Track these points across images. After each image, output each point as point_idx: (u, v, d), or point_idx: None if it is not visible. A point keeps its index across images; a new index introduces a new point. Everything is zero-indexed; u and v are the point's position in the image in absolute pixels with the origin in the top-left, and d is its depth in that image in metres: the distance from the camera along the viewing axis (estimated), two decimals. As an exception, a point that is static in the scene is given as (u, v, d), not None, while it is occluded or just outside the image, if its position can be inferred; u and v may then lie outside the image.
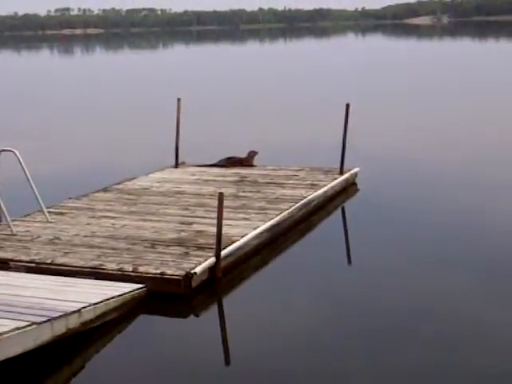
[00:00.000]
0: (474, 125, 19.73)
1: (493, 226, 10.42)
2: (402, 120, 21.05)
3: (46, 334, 6.37)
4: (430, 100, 25.67)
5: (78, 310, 6.75)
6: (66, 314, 6.61)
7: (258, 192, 11.44)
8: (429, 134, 18.40)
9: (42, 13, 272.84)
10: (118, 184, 12.19)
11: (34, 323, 6.28)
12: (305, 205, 10.77)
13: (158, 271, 7.90)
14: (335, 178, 12.23)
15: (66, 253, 8.58)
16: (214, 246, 8.23)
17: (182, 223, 9.71)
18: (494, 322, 7.18)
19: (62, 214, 10.37)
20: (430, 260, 8.98)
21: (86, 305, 6.88)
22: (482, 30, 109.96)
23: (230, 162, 13.58)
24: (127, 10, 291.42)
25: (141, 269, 7.99)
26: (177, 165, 13.65)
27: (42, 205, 9.94)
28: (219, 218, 8.13)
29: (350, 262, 9.34)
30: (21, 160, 9.64)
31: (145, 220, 9.93)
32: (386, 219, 10.88)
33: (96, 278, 7.85)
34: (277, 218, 9.89)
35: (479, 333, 6.95)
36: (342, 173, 12.50)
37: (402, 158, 15.45)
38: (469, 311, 7.48)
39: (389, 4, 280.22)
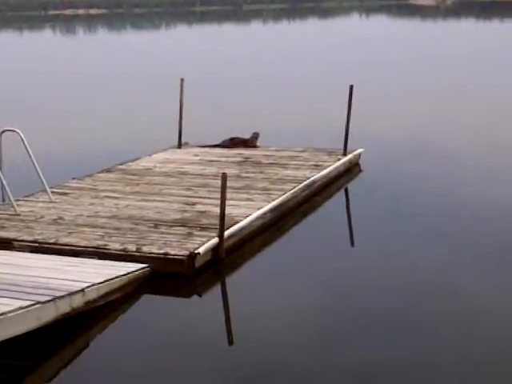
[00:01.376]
0: (480, 105, 19.64)
1: (498, 206, 10.40)
2: (407, 101, 20.96)
3: (49, 314, 6.39)
4: (436, 81, 25.54)
5: (82, 290, 6.77)
6: (70, 294, 6.63)
7: (262, 173, 11.43)
8: (433, 114, 18.34)
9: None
10: (121, 164, 12.19)
11: (37, 302, 6.30)
12: (308, 185, 10.76)
13: (162, 251, 7.91)
14: (339, 159, 12.22)
15: (70, 233, 8.60)
16: (218, 227, 8.24)
17: (186, 203, 9.71)
18: (498, 302, 7.20)
19: (65, 194, 10.38)
20: (434, 241, 8.98)
21: (89, 284, 6.90)
22: (487, 11, 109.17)
23: (233, 143, 13.55)
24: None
25: (144, 249, 8.01)
26: (180, 145, 13.63)
27: (46, 185, 9.95)
28: (222, 199, 8.13)
29: (352, 243, 9.35)
30: (24, 140, 9.64)
31: (148, 200, 9.94)
32: (390, 200, 10.87)
33: (99, 258, 7.87)
34: (280, 199, 9.89)
35: (483, 311, 6.95)
36: (345, 154, 12.48)
37: (406, 138, 15.40)
38: (475, 291, 7.48)
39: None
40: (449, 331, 6.59)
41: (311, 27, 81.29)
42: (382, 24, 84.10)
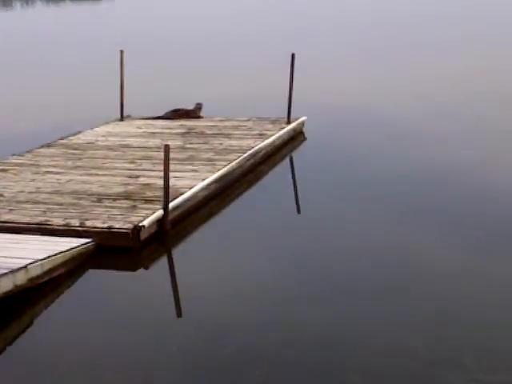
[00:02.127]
0: (425, 67, 19.82)
1: (443, 173, 10.56)
2: (349, 69, 21.03)
3: (-8, 292, 6.27)
4: (380, 46, 25.66)
5: (25, 267, 6.65)
6: (13, 271, 6.51)
7: (206, 143, 11.36)
8: (377, 84, 18.44)
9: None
10: (62, 139, 11.96)
11: (-21, 281, 6.17)
12: (253, 155, 10.74)
13: (106, 225, 7.82)
14: (283, 128, 12.22)
15: (11, 210, 8.42)
16: (162, 199, 8.17)
17: (129, 177, 9.60)
18: (445, 268, 7.33)
19: (5, 170, 10.15)
20: (377, 206, 9.08)
21: (32, 261, 6.78)
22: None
23: (177, 114, 13.43)
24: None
25: (88, 223, 7.90)
26: (122, 118, 13.44)
27: (-16, 162, 9.71)
28: (165, 171, 8.05)
29: (299, 210, 9.38)
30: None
31: (91, 174, 9.79)
32: (333, 168, 10.94)
33: (42, 234, 7.73)
34: (225, 169, 9.85)
35: (428, 278, 7.07)
36: (289, 122, 12.48)
37: (349, 107, 15.47)
38: (416, 256, 7.60)
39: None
40: (394, 294, 6.69)
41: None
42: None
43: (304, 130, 12.90)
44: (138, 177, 9.58)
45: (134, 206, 8.37)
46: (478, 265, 7.28)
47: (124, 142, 11.65)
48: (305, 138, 12.65)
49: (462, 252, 7.62)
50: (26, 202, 8.69)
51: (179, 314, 6.67)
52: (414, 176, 10.36)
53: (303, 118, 12.86)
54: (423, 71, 19.88)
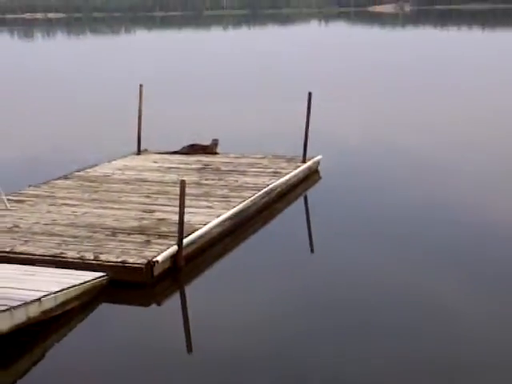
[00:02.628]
0: (435, 112, 19.89)
1: (455, 211, 10.55)
2: (365, 108, 21.14)
3: (5, 323, 6.30)
4: (393, 88, 25.83)
5: (39, 299, 6.68)
6: (26, 303, 6.54)
7: (221, 180, 11.42)
8: (390, 122, 18.53)
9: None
10: (79, 171, 12.07)
11: (-7, 312, 6.20)
12: (267, 193, 10.78)
13: (120, 259, 7.85)
14: (298, 166, 12.26)
15: (26, 241, 8.48)
16: (176, 234, 8.20)
17: (144, 211, 9.65)
18: (457, 308, 7.29)
19: (21, 201, 10.24)
20: (391, 247, 9.07)
21: (46, 293, 6.81)
22: (444, 18, 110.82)
23: (193, 150, 13.52)
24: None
25: (102, 257, 7.93)
26: (139, 152, 13.55)
27: (2, 192, 9.81)
28: (181, 206, 8.09)
29: (312, 249, 9.38)
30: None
31: (106, 208, 9.85)
32: (348, 207, 10.94)
33: (57, 267, 7.77)
34: (239, 206, 9.88)
35: (440, 319, 7.04)
36: (304, 161, 12.53)
37: (364, 146, 15.53)
38: (429, 296, 7.56)
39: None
40: (409, 337, 6.65)
41: (271, 33, 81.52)
42: (340, 31, 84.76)
43: (319, 168, 12.94)
44: (153, 211, 9.63)
45: (148, 241, 8.41)
46: (492, 306, 7.24)
47: (140, 176, 11.73)
48: (320, 177, 12.68)
49: (477, 293, 7.58)
50: (42, 233, 8.76)
51: (190, 350, 6.67)
52: (428, 215, 10.35)
53: (319, 157, 12.91)
54: (439, 111, 19.95)
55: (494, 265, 8.39)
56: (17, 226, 9.06)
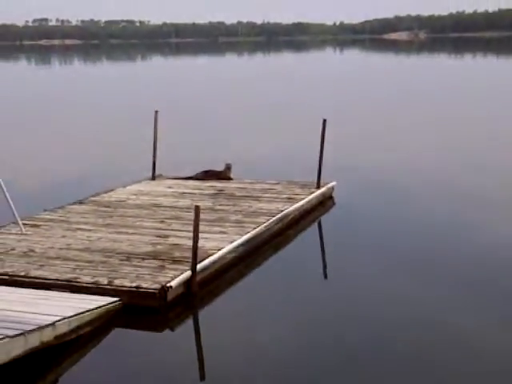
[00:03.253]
0: (450, 138, 19.88)
1: (471, 237, 10.51)
2: (379, 135, 21.17)
3: (18, 348, 6.30)
4: (406, 114, 25.88)
5: (52, 324, 6.69)
6: (40, 327, 6.55)
7: (235, 205, 11.44)
8: (405, 148, 18.53)
9: (20, 23, 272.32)
10: (94, 196, 12.13)
11: (6, 336, 6.21)
12: (281, 218, 10.78)
13: (134, 284, 7.86)
14: (312, 192, 12.27)
15: (41, 265, 8.51)
16: (190, 260, 8.21)
17: (158, 236, 9.68)
18: (473, 332, 7.22)
19: (36, 226, 10.29)
20: (406, 274, 9.02)
21: (60, 318, 6.82)
22: (458, 45, 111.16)
23: (208, 175, 13.57)
24: (106, 22, 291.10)
25: (116, 282, 7.95)
26: (154, 177, 13.62)
27: (17, 216, 9.87)
28: (195, 231, 8.11)
29: (326, 276, 9.35)
30: (-4, 171, 9.57)
31: (120, 233, 9.89)
32: (363, 234, 10.92)
33: (71, 291, 7.79)
34: (253, 232, 9.89)
35: (457, 344, 6.97)
36: (318, 187, 12.54)
37: (379, 172, 15.53)
38: (446, 322, 7.51)
39: (367, 19, 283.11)
40: (423, 361, 6.60)
41: (285, 60, 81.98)
42: (354, 57, 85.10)
43: (333, 194, 12.94)
44: (167, 237, 9.65)
45: (163, 266, 8.42)
46: None
47: (155, 201, 11.78)
48: (334, 203, 12.68)
49: (498, 326, 7.49)
50: (56, 258, 8.79)
51: (202, 377, 6.63)
52: (445, 242, 10.29)
53: (333, 183, 12.91)
54: (455, 135, 19.95)
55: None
56: (32, 251, 9.11)
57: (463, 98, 31.95)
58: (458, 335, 7.24)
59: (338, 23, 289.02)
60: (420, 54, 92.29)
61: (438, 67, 60.17)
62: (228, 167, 13.65)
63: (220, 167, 13.71)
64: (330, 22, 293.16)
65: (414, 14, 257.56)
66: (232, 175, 13.61)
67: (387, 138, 20.18)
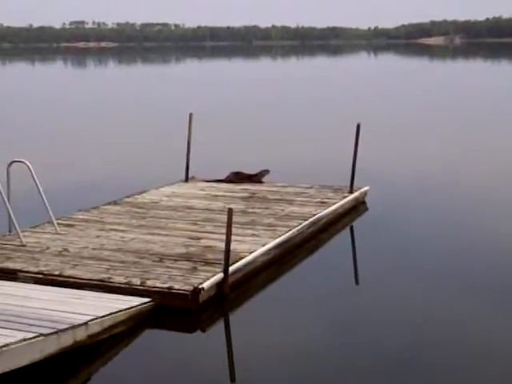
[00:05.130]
0: (485, 145, 19.69)
1: (507, 246, 10.39)
2: (413, 140, 21.03)
3: (52, 346, 6.38)
4: (441, 120, 25.67)
5: (86, 323, 6.76)
6: (74, 327, 6.62)
7: (267, 208, 11.45)
8: (440, 154, 18.39)
9: (57, 25, 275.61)
10: (128, 197, 12.23)
11: (41, 335, 6.29)
12: (314, 222, 10.77)
13: (166, 285, 7.91)
14: (345, 197, 12.23)
15: (75, 265, 8.60)
16: (222, 262, 8.24)
17: (191, 238, 9.72)
18: (503, 337, 7.15)
19: (71, 225, 10.41)
20: (438, 281, 8.95)
21: (93, 317, 6.89)
22: (495, 51, 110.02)
23: (238, 178, 13.61)
24: (141, 25, 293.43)
25: (148, 283, 8.00)
26: (187, 179, 13.69)
27: (52, 216, 9.99)
28: (228, 234, 8.13)
29: (357, 281, 9.32)
30: (32, 171, 9.70)
31: (153, 234, 9.95)
32: (395, 240, 10.86)
33: (104, 291, 7.86)
34: (286, 235, 9.89)
35: (488, 350, 6.91)
36: (351, 191, 12.50)
37: (413, 177, 15.43)
38: (477, 329, 7.44)
39: (402, 23, 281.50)
40: (453, 372, 6.55)
41: (319, 64, 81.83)
42: (389, 62, 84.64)
43: (366, 199, 12.89)
44: (199, 239, 9.69)
45: (195, 268, 8.46)
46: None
47: (187, 204, 11.83)
48: (367, 208, 12.63)
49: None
50: (90, 258, 8.88)
51: (233, 379, 6.65)
52: (481, 251, 10.19)
53: (366, 188, 12.86)
54: (492, 143, 19.76)
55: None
56: (66, 250, 9.21)
57: (501, 103, 31.59)
58: (490, 341, 7.17)
59: (372, 28, 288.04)
60: (455, 59, 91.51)
61: (473, 72, 59.64)
62: (263, 174, 13.66)
63: (252, 171, 13.73)
64: (364, 27, 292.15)
65: (450, 18, 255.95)
66: (263, 179, 13.62)
67: (422, 144, 20.03)
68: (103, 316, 7.00)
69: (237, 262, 8.59)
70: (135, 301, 7.57)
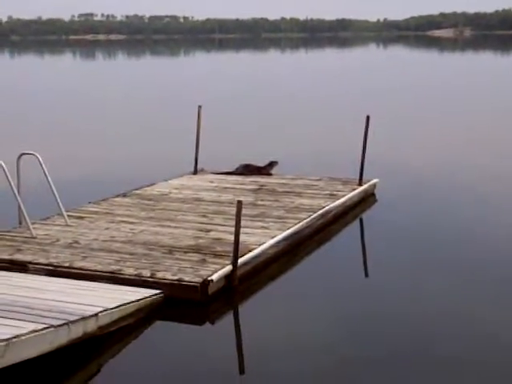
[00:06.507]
0: (496, 136, 19.62)
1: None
2: (422, 132, 20.98)
3: (62, 338, 6.40)
4: (452, 113, 25.60)
5: (96, 314, 6.79)
6: (84, 318, 6.65)
7: (277, 201, 11.45)
8: (449, 146, 18.34)
9: (66, 18, 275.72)
10: (138, 189, 12.25)
11: (51, 326, 6.32)
12: (323, 215, 10.76)
13: (176, 277, 7.93)
14: (354, 189, 12.22)
15: (85, 257, 8.64)
16: (231, 254, 8.25)
17: (200, 230, 9.74)
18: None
19: (81, 218, 10.44)
20: (447, 273, 8.94)
21: (103, 309, 6.91)
22: (504, 43, 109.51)
23: (248, 170, 13.61)
24: (150, 17, 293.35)
25: (158, 275, 8.03)
26: (196, 172, 13.70)
27: (62, 208, 10.02)
28: (237, 226, 8.14)
29: (366, 273, 9.32)
30: (42, 163, 9.73)
31: (163, 226, 9.98)
32: (404, 231, 10.85)
33: (114, 283, 7.89)
34: (295, 227, 9.89)
35: (498, 342, 6.90)
36: (360, 183, 12.48)
37: (422, 170, 15.40)
38: (487, 320, 7.43)
39: (411, 15, 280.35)
40: (464, 364, 6.55)
41: (329, 56, 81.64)
42: (399, 54, 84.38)
43: (375, 191, 12.87)
44: (208, 231, 9.71)
45: (204, 260, 8.48)
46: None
47: (197, 196, 11.85)
48: (376, 200, 12.61)
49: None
50: (100, 250, 8.91)
51: (242, 371, 6.67)
52: (490, 242, 10.16)
53: (375, 180, 12.84)
54: (503, 135, 19.68)
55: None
56: (76, 242, 9.24)
57: (503, 95, 31.47)
58: (500, 332, 7.16)
59: (381, 20, 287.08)
60: (464, 51, 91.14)
61: (483, 65, 59.39)
62: (272, 165, 13.65)
63: (261, 163, 13.73)
64: (373, 19, 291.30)
65: (459, 11, 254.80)
66: (272, 171, 13.62)
67: (432, 136, 19.98)
68: (113, 308, 7.03)
69: (246, 254, 8.60)
70: (145, 293, 7.59)
